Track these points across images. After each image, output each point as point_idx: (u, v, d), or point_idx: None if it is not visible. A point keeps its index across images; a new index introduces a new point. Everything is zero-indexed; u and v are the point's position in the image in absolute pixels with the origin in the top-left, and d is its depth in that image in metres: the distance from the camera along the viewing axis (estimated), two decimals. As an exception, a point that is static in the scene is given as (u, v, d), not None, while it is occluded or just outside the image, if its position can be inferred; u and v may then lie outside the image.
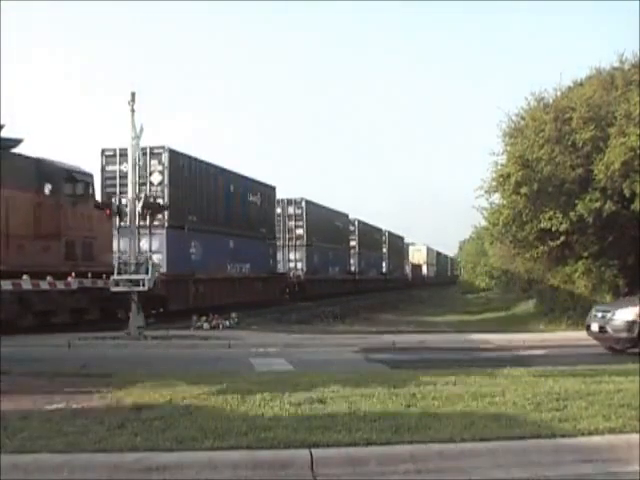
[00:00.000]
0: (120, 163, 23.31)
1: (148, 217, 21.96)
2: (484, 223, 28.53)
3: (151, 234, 23.57)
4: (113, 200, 19.37)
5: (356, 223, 53.47)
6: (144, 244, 23.00)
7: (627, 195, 20.19)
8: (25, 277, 16.84)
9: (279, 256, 37.76)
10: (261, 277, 32.47)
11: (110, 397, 7.67)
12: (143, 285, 17.14)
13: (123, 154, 22.67)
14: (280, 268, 37.51)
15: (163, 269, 22.59)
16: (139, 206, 18.03)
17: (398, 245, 72.84)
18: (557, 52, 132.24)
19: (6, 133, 17.10)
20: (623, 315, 13.70)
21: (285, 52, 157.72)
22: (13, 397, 7.56)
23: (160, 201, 22.53)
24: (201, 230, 26.14)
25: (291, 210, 39.46)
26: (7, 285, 16.16)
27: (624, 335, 13.58)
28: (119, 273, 17.43)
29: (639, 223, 20.40)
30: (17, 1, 75.20)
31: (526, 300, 35.46)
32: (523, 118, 23.76)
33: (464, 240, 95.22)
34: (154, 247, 23.24)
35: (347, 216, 51.19)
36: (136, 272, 17.37)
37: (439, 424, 6.28)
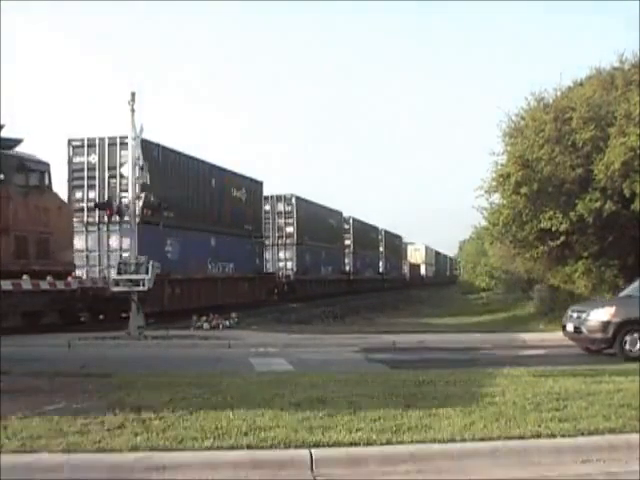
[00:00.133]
0: (88, 154, 22.23)
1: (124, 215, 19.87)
2: (484, 223, 28.51)
3: (121, 231, 21.84)
4: (113, 200, 19.26)
5: (351, 221, 51.86)
6: (114, 241, 22.00)
7: (627, 195, 20.19)
8: (25, 277, 16.80)
9: (268, 255, 36.40)
10: (246, 277, 30.69)
11: (110, 397, 7.67)
12: (143, 285, 17.14)
13: (91, 144, 22.19)
14: (269, 268, 36.13)
15: None
16: (139, 206, 17.98)
17: (396, 244, 71.86)
18: (557, 52, 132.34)
19: (6, 133, 17.10)
20: (598, 315, 13.53)
21: (285, 52, 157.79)
22: (13, 397, 7.56)
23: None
24: (178, 227, 24.29)
25: (281, 207, 37.94)
26: (7, 285, 16.05)
27: (599, 336, 13.39)
28: (119, 273, 17.43)
29: (639, 223, 20.39)
30: (17, 1, 75.15)
31: (527, 300, 35.44)
32: (523, 118, 23.77)
33: (464, 240, 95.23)
34: (124, 245, 21.51)
35: (341, 214, 49.54)
36: (136, 272, 17.37)
37: (439, 424, 6.29)
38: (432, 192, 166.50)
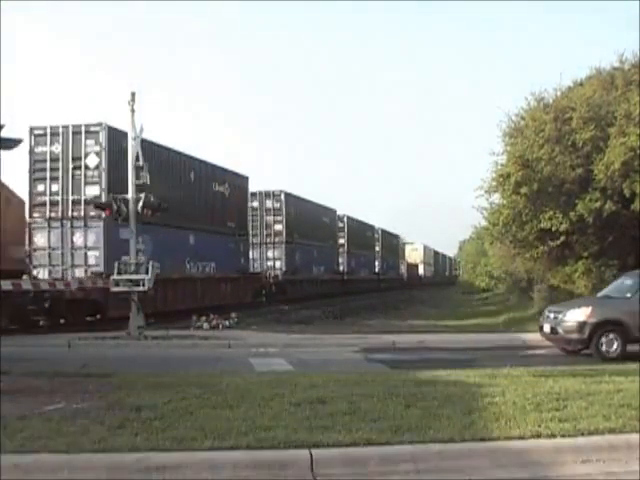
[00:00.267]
0: (51, 144, 20.79)
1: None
2: (484, 223, 28.52)
3: (87, 227, 20.70)
4: (113, 200, 19.06)
5: (345, 219, 50.41)
6: (78, 239, 20.70)
7: (627, 195, 20.20)
8: (25, 277, 16.81)
9: (255, 254, 35.19)
10: (229, 277, 29.13)
11: (110, 397, 7.67)
12: (143, 285, 17.14)
13: (55, 133, 20.92)
14: (257, 267, 34.95)
15: (100, 268, 20.30)
16: (139, 206, 17.91)
17: (393, 243, 70.73)
18: (557, 52, 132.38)
19: (6, 133, 17.06)
20: (574, 316, 13.41)
21: (284, 53, 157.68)
22: (13, 397, 7.56)
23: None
24: (152, 223, 21.41)
25: (269, 204, 36.38)
26: (7, 285, 16.05)
27: (575, 336, 13.28)
28: (119, 273, 17.41)
29: (639, 223, 20.40)
30: (18, 1, 75.10)
31: (529, 300, 35.37)
32: (523, 118, 23.77)
33: (464, 240, 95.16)
34: (90, 242, 20.54)
35: (335, 212, 48.10)
36: (136, 272, 17.36)
37: (439, 424, 6.28)
38: (432, 192, 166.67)
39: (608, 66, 23.59)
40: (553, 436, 5.99)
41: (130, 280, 17.18)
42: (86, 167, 20.71)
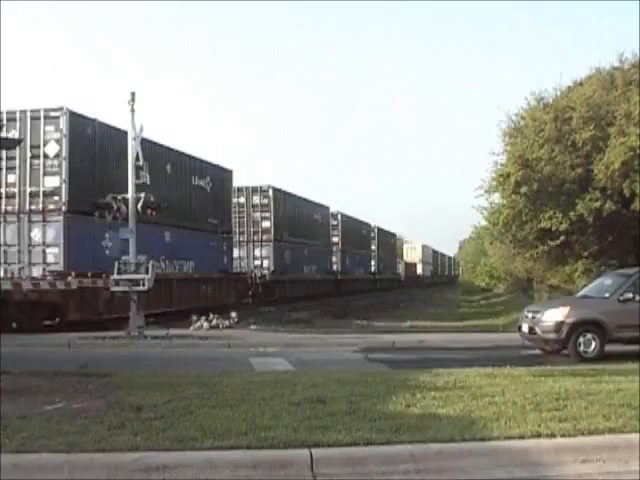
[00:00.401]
0: (8, 130, 18.74)
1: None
2: (484, 223, 28.57)
3: (45, 222, 19.06)
4: (112, 200, 18.99)
5: (339, 217, 48.35)
6: (36, 234, 19.09)
7: (627, 195, 20.22)
8: (25, 277, 16.81)
9: (242, 253, 33.39)
10: (210, 278, 27.28)
11: (110, 397, 7.67)
12: (143, 285, 17.13)
13: (11, 119, 19.06)
14: (244, 267, 33.20)
15: (59, 266, 18.86)
16: (139, 205, 17.92)
17: (390, 242, 68.85)
18: (557, 52, 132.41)
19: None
20: (552, 316, 13.23)
21: (284, 52, 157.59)
22: (13, 397, 7.56)
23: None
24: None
25: (256, 199, 34.28)
26: (7, 285, 16.06)
27: (552, 336, 13.11)
28: (119, 273, 17.40)
29: (639, 223, 20.42)
30: (19, 1, 75.11)
31: (529, 300, 35.35)
32: (523, 118, 23.81)
33: (464, 240, 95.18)
34: (49, 238, 18.95)
35: (328, 209, 45.94)
36: (136, 272, 17.35)
37: (439, 424, 6.28)
38: (432, 192, 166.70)
39: (608, 66, 23.67)
40: (553, 436, 5.98)
41: (130, 280, 17.17)
42: (45, 156, 19.06)
